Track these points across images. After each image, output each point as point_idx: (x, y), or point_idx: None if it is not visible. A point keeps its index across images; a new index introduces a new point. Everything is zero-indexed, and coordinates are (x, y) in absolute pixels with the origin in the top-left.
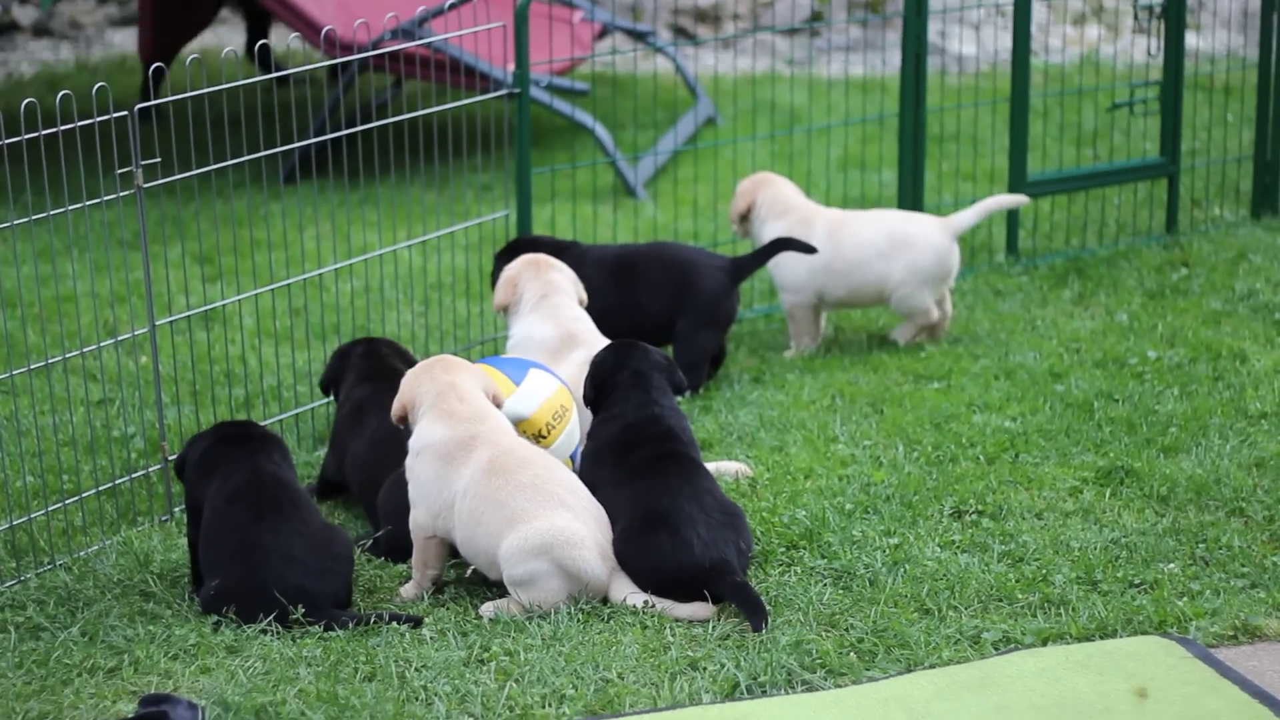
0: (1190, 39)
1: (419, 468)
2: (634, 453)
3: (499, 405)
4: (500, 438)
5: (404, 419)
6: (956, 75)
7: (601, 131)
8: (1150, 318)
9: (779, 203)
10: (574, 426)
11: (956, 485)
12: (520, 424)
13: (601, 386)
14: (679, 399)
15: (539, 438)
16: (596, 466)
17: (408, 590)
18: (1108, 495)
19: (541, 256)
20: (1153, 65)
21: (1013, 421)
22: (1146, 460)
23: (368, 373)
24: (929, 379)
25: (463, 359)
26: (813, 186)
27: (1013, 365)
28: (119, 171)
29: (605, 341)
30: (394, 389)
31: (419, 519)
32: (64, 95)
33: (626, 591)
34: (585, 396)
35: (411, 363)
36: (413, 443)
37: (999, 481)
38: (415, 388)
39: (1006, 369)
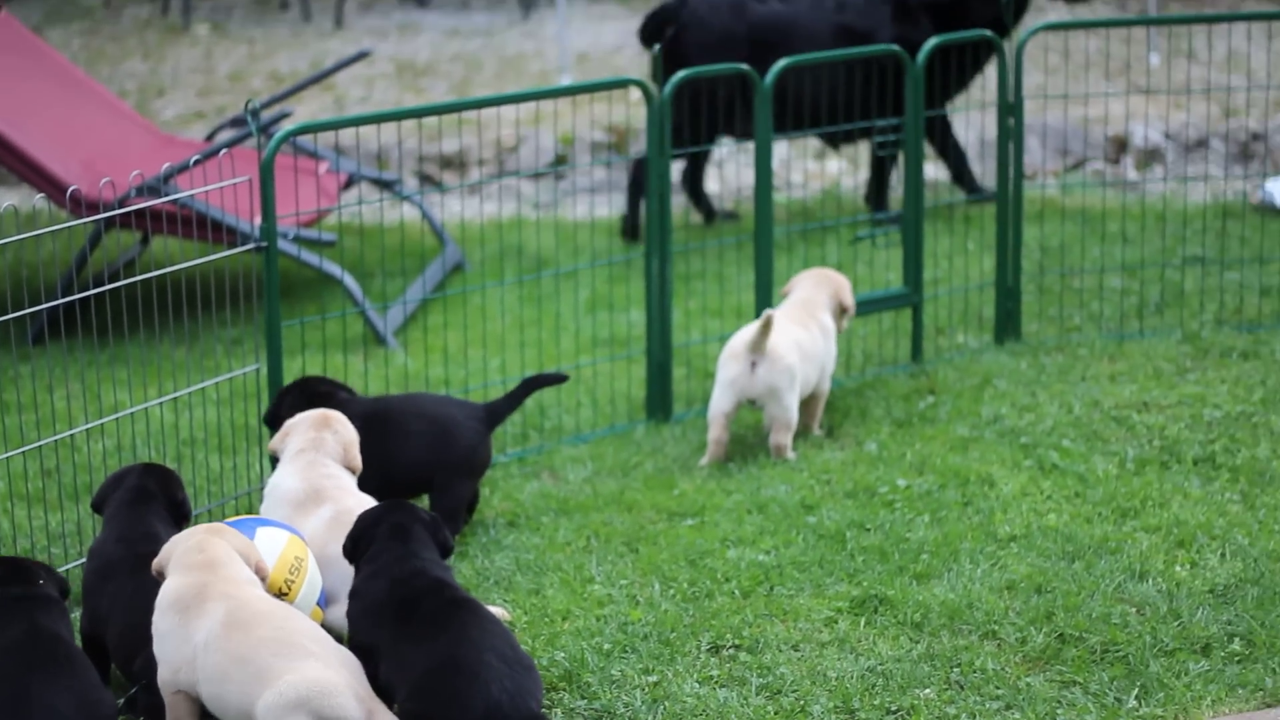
0: (929, 170)
1: (159, 622)
2: (417, 607)
3: (263, 575)
4: (235, 589)
5: (161, 574)
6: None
7: (350, 281)
8: (899, 446)
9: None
10: (314, 574)
11: (713, 620)
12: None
13: (360, 541)
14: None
15: (281, 594)
16: (374, 627)
17: None
18: (863, 624)
19: (331, 414)
20: (893, 197)
21: (767, 554)
22: (899, 587)
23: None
24: (683, 516)
25: (227, 527)
26: (562, 329)
27: (765, 499)
28: None
29: (357, 498)
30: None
31: (163, 675)
32: None
33: None
34: (345, 551)
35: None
36: (157, 599)
37: (755, 615)
38: (172, 546)
39: (759, 503)
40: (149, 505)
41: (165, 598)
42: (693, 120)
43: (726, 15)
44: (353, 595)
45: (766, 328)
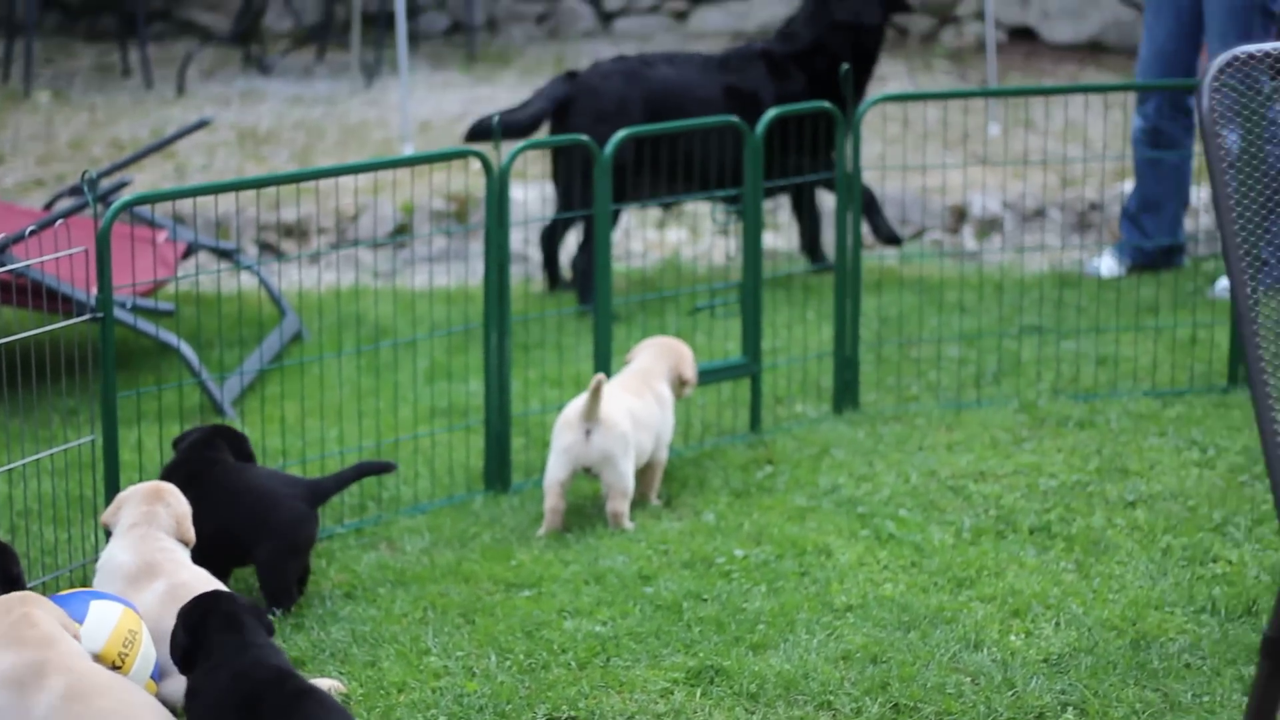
0: (769, 239)
1: None
2: (261, 701)
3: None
4: (74, 662)
5: None
6: (540, 282)
7: (187, 350)
8: (737, 516)
9: None
10: (148, 648)
11: (549, 692)
12: (93, 659)
13: (194, 633)
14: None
15: (114, 668)
16: None
17: None
18: (698, 695)
19: (164, 487)
20: (733, 266)
21: (603, 625)
22: (736, 658)
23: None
24: (520, 587)
25: (43, 596)
26: (401, 399)
27: (602, 569)
28: None
29: (191, 572)
30: None
31: None
32: None
33: None
34: (173, 652)
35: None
36: None
37: (591, 686)
38: None
39: (596, 573)
40: None
41: None
42: (584, 187)
43: (620, 83)
44: (190, 692)
45: (596, 394)
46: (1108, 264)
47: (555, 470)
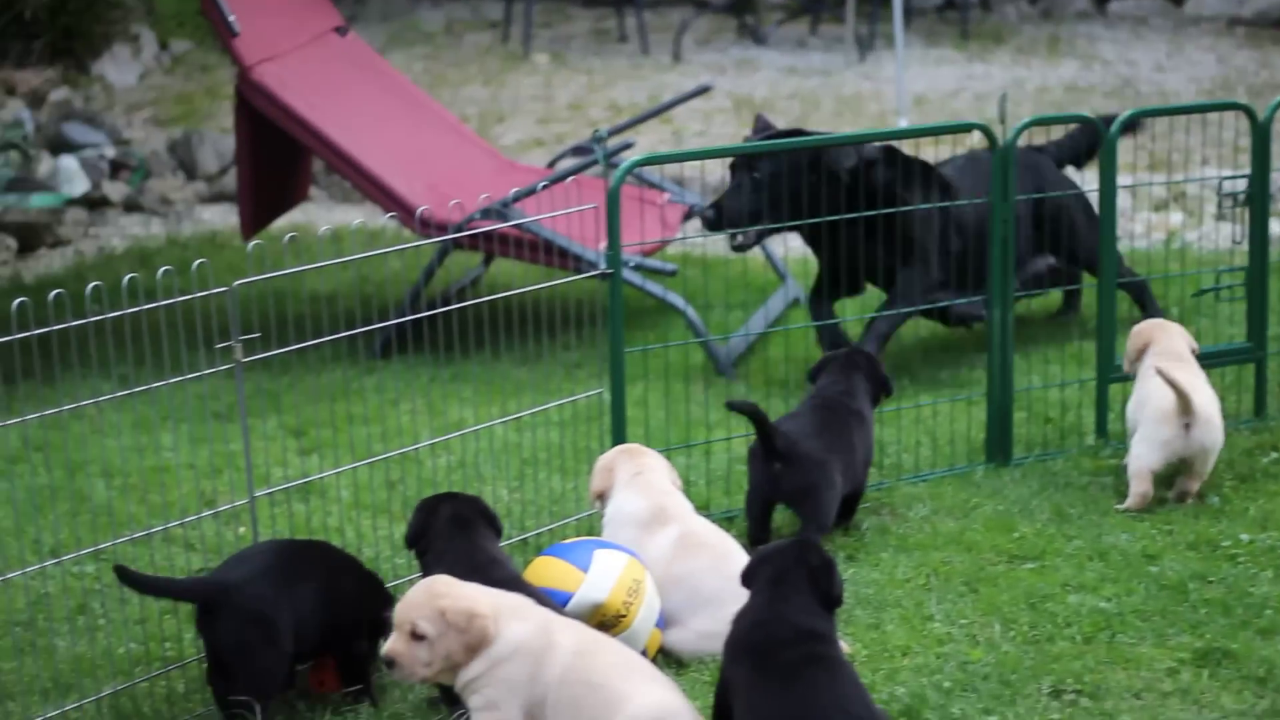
0: (1276, 225)
1: (508, 671)
2: (773, 656)
3: None
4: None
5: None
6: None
7: (692, 313)
8: (1242, 501)
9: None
10: (652, 597)
11: (1054, 665)
12: (598, 609)
13: (750, 578)
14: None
15: (619, 617)
16: (731, 664)
17: None
18: (1205, 676)
19: (635, 446)
20: (1237, 251)
21: (1108, 602)
22: (1243, 642)
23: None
24: (1023, 559)
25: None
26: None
27: (1106, 546)
28: (218, 346)
29: (700, 521)
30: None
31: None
32: (165, 270)
33: None
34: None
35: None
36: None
37: (1096, 661)
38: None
39: (1100, 550)
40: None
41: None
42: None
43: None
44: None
45: (1182, 392)
46: None
47: (1150, 459)
